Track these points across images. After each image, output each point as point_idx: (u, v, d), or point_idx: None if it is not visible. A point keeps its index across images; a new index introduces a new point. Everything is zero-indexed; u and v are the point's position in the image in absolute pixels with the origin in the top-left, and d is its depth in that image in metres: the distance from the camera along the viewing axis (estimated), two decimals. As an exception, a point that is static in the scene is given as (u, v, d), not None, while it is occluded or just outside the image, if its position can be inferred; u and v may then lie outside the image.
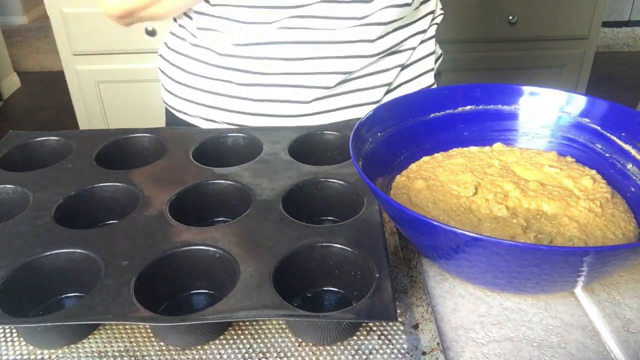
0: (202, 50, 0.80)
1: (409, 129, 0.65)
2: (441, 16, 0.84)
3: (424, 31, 0.81)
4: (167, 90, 0.87)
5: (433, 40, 0.83)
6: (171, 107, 0.87)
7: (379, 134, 0.62)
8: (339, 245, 0.52)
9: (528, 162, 0.64)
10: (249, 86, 0.78)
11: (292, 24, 0.73)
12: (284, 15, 0.72)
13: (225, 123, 0.82)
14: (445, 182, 0.60)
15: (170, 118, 0.89)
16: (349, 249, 0.52)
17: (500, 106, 0.68)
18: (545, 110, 0.68)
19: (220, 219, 0.64)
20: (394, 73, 0.80)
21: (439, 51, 0.88)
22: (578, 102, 0.66)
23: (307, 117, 0.80)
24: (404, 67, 0.81)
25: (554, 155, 0.66)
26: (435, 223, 0.46)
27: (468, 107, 0.68)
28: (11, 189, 0.64)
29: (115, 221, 0.59)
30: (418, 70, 0.83)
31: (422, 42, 0.81)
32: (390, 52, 0.78)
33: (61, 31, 1.73)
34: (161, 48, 0.89)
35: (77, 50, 1.77)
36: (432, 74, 0.84)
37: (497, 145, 0.68)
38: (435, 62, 0.86)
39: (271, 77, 0.77)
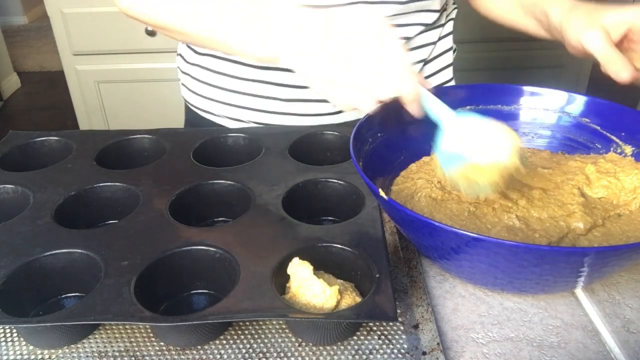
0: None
1: (409, 129, 0.65)
2: (455, 10, 0.85)
3: (442, 26, 0.82)
4: (190, 90, 0.86)
5: (451, 37, 0.85)
6: (195, 106, 0.87)
7: (379, 134, 0.62)
8: (339, 245, 0.52)
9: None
10: (279, 86, 0.78)
11: None
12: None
13: (253, 122, 0.82)
14: (446, 185, 0.60)
15: (193, 118, 0.88)
16: (349, 249, 0.52)
17: (500, 106, 0.68)
18: (545, 110, 0.68)
19: (220, 219, 0.64)
20: (417, 68, 0.81)
21: (454, 45, 0.89)
22: (578, 102, 0.66)
23: (333, 115, 0.80)
24: (426, 62, 0.82)
25: (547, 154, 0.66)
26: (436, 224, 0.46)
27: (468, 107, 0.68)
28: (11, 189, 0.64)
29: (115, 221, 0.59)
30: (439, 64, 0.84)
31: (440, 38, 0.82)
32: (409, 48, 0.79)
33: (61, 31, 1.73)
34: (181, 47, 0.88)
35: (77, 50, 1.77)
36: (451, 68, 0.86)
37: (496, 146, 0.68)
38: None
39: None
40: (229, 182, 0.63)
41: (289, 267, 0.49)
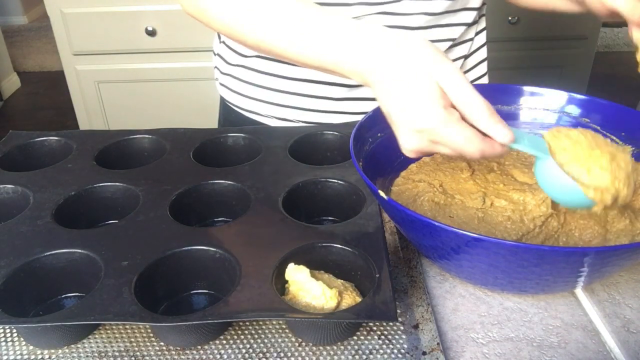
0: None
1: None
2: (485, 6, 0.86)
3: (476, 22, 0.83)
4: (233, 91, 0.85)
5: (485, 32, 0.86)
6: (238, 107, 0.86)
7: (379, 135, 0.62)
8: (339, 245, 0.52)
9: (523, 164, 0.64)
10: (331, 85, 0.78)
11: (376, 21, 0.72)
12: (368, 11, 0.72)
13: (302, 122, 0.82)
14: (448, 189, 0.60)
15: (235, 118, 0.87)
16: (349, 249, 0.52)
17: (500, 106, 0.68)
18: (545, 110, 0.68)
19: (220, 219, 0.64)
20: (459, 63, 0.82)
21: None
22: (578, 102, 0.66)
23: None
24: (466, 57, 0.84)
25: None
26: (437, 224, 0.46)
27: (468, 107, 0.68)
28: (11, 189, 0.64)
29: (115, 221, 0.59)
30: (477, 59, 0.86)
31: (477, 33, 0.84)
32: (454, 44, 0.80)
33: (61, 31, 1.73)
34: (219, 48, 0.87)
35: (77, 50, 1.77)
36: (486, 62, 0.87)
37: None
38: None
39: None
40: (229, 182, 0.63)
41: (286, 274, 0.49)
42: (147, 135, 0.74)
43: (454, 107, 0.48)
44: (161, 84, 1.81)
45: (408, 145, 0.50)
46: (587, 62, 1.91)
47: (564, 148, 0.50)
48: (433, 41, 0.75)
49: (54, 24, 1.72)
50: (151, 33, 1.72)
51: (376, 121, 0.62)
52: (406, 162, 0.66)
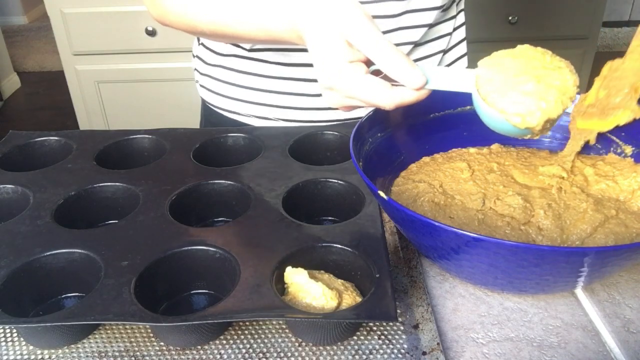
0: (256, 52, 0.79)
1: (408, 129, 0.65)
2: (462, 1, 0.86)
3: (454, 17, 0.83)
4: (212, 91, 0.86)
5: (464, 28, 0.87)
6: (218, 107, 0.86)
7: (379, 134, 0.62)
8: (339, 245, 0.52)
9: (523, 164, 0.64)
10: (307, 82, 0.78)
11: None
12: None
13: (281, 120, 0.82)
14: (448, 190, 0.60)
15: (216, 119, 0.88)
16: (349, 249, 0.52)
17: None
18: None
19: (220, 219, 0.64)
20: (437, 58, 0.83)
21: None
22: (578, 102, 0.66)
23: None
24: (445, 52, 0.84)
25: (546, 153, 0.66)
26: (437, 224, 0.46)
27: (468, 107, 0.67)
28: (11, 189, 0.64)
29: (115, 221, 0.59)
30: (456, 54, 0.86)
31: (455, 28, 0.84)
32: (430, 39, 0.81)
33: (61, 31, 1.73)
34: (198, 49, 0.88)
35: (77, 50, 1.77)
36: (466, 57, 0.88)
37: (495, 146, 0.68)
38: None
39: None
40: (229, 182, 0.63)
41: (285, 277, 0.49)
42: (147, 135, 0.74)
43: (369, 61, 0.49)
44: (161, 84, 1.81)
45: (327, 100, 0.52)
46: (587, 62, 1.91)
47: (489, 79, 0.51)
48: (409, 28, 0.76)
49: (54, 24, 1.72)
50: (151, 33, 1.72)
51: (376, 121, 0.62)
52: (406, 162, 0.66)
